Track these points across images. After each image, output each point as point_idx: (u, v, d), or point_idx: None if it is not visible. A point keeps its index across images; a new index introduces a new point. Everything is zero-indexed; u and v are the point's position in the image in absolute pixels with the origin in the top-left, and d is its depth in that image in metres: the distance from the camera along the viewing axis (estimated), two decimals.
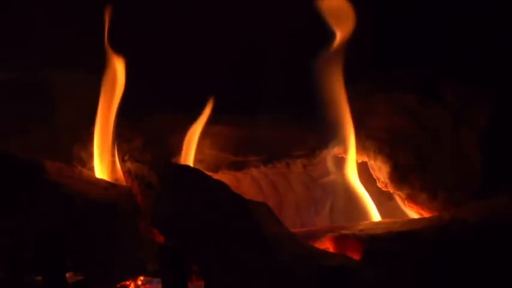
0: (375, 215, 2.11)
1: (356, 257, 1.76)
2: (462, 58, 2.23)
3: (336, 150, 2.22)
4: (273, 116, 2.27)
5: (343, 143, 2.15)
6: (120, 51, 2.18)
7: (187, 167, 2.06)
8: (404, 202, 2.11)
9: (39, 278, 1.81)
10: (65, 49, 2.33)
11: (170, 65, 2.46)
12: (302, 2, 2.29)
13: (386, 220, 2.09)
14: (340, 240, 1.83)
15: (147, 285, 1.97)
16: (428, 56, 2.27)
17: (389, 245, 1.77)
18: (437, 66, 2.22)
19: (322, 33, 2.25)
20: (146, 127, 2.33)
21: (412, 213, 2.12)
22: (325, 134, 2.20)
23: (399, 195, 2.12)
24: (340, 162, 2.28)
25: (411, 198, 2.07)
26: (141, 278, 1.95)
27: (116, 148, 2.18)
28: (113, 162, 2.17)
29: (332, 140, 2.17)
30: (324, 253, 1.78)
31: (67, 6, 2.37)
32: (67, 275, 1.82)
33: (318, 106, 2.15)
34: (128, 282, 1.93)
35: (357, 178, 2.15)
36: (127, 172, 2.10)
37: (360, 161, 2.17)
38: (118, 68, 2.17)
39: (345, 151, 2.16)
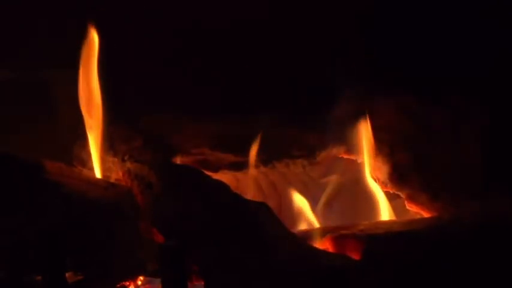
0: (391, 216, 2.11)
1: (356, 257, 1.76)
2: (463, 59, 2.23)
3: (335, 150, 2.22)
4: (273, 116, 2.27)
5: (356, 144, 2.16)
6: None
7: (187, 167, 2.06)
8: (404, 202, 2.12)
9: (39, 278, 1.80)
10: (65, 49, 2.33)
11: (170, 64, 2.46)
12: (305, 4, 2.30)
13: (386, 220, 2.09)
14: (340, 240, 1.83)
15: (147, 285, 1.97)
16: (430, 58, 2.27)
17: (389, 245, 1.77)
18: (438, 68, 2.22)
19: (323, 33, 2.26)
20: (146, 127, 2.33)
21: (413, 213, 2.12)
22: (328, 134, 2.21)
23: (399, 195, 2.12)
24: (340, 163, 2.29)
25: (412, 199, 2.07)
26: (141, 278, 1.95)
27: (109, 146, 2.18)
28: (111, 162, 2.17)
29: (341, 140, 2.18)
30: (324, 253, 1.78)
31: (67, 6, 2.37)
32: (67, 275, 1.82)
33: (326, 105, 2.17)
34: (127, 282, 1.93)
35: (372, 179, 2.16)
36: (127, 172, 2.09)
37: (359, 161, 2.17)
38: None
39: (360, 153, 2.15)
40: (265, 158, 2.29)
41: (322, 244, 1.85)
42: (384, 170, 2.11)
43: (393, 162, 2.11)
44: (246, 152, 2.24)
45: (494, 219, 1.81)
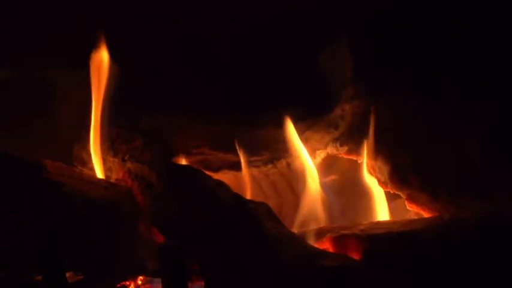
0: (387, 215, 2.11)
1: (356, 257, 1.76)
2: (463, 59, 2.23)
3: (335, 151, 2.22)
4: (273, 116, 2.27)
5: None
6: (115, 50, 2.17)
7: (188, 167, 2.06)
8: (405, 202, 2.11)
9: (39, 278, 1.80)
10: (65, 49, 2.33)
11: (170, 65, 2.46)
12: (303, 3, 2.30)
13: (386, 220, 2.09)
14: (340, 240, 1.83)
15: (147, 285, 1.97)
16: (430, 58, 2.27)
17: (390, 245, 1.77)
18: (438, 68, 2.22)
19: (324, 34, 2.26)
20: (146, 127, 2.33)
21: (413, 213, 2.12)
22: (328, 134, 2.21)
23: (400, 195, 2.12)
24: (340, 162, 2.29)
25: (412, 199, 2.07)
26: (141, 278, 1.95)
27: (109, 146, 2.18)
28: (111, 162, 2.17)
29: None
30: (324, 253, 1.77)
31: (67, 7, 2.37)
32: (67, 275, 1.82)
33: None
34: (127, 282, 1.93)
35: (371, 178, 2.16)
36: (127, 172, 2.10)
37: (360, 161, 2.17)
38: (103, 61, 2.16)
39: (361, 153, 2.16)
40: (265, 158, 2.29)
41: (322, 244, 1.85)
42: (384, 170, 2.11)
43: (393, 163, 2.11)
44: (246, 152, 2.25)
45: (494, 219, 1.81)
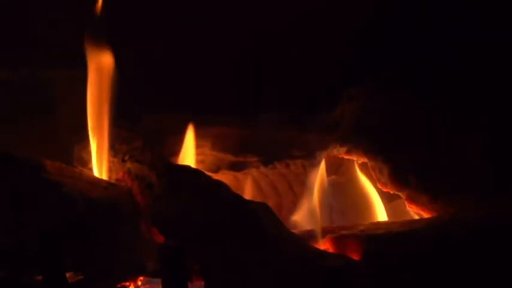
0: (383, 215, 2.11)
1: (356, 257, 1.76)
2: (463, 59, 2.23)
3: (335, 151, 2.22)
4: (273, 116, 2.27)
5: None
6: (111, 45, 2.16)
7: (188, 167, 2.06)
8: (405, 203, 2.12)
9: (39, 278, 1.80)
10: (65, 49, 2.33)
11: (170, 65, 2.46)
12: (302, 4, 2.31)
13: (386, 221, 2.09)
14: (340, 240, 1.83)
15: (147, 285, 1.97)
16: (429, 58, 2.27)
17: (389, 246, 1.77)
18: (438, 68, 2.23)
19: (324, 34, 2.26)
20: (146, 127, 2.33)
21: (413, 213, 2.12)
22: (328, 134, 2.21)
23: (399, 195, 2.12)
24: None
25: (412, 199, 2.07)
26: (141, 278, 1.95)
27: (112, 147, 2.18)
28: (111, 162, 2.17)
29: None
30: (324, 253, 1.78)
31: (67, 6, 2.37)
32: (67, 275, 1.82)
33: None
34: (127, 283, 1.93)
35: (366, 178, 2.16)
36: (127, 172, 2.10)
37: (360, 162, 2.17)
38: (105, 61, 2.14)
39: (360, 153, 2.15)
40: (265, 159, 2.29)
41: (322, 244, 1.85)
42: (384, 171, 2.11)
43: (393, 163, 2.11)
44: (246, 152, 2.25)
45: (493, 219, 1.81)
